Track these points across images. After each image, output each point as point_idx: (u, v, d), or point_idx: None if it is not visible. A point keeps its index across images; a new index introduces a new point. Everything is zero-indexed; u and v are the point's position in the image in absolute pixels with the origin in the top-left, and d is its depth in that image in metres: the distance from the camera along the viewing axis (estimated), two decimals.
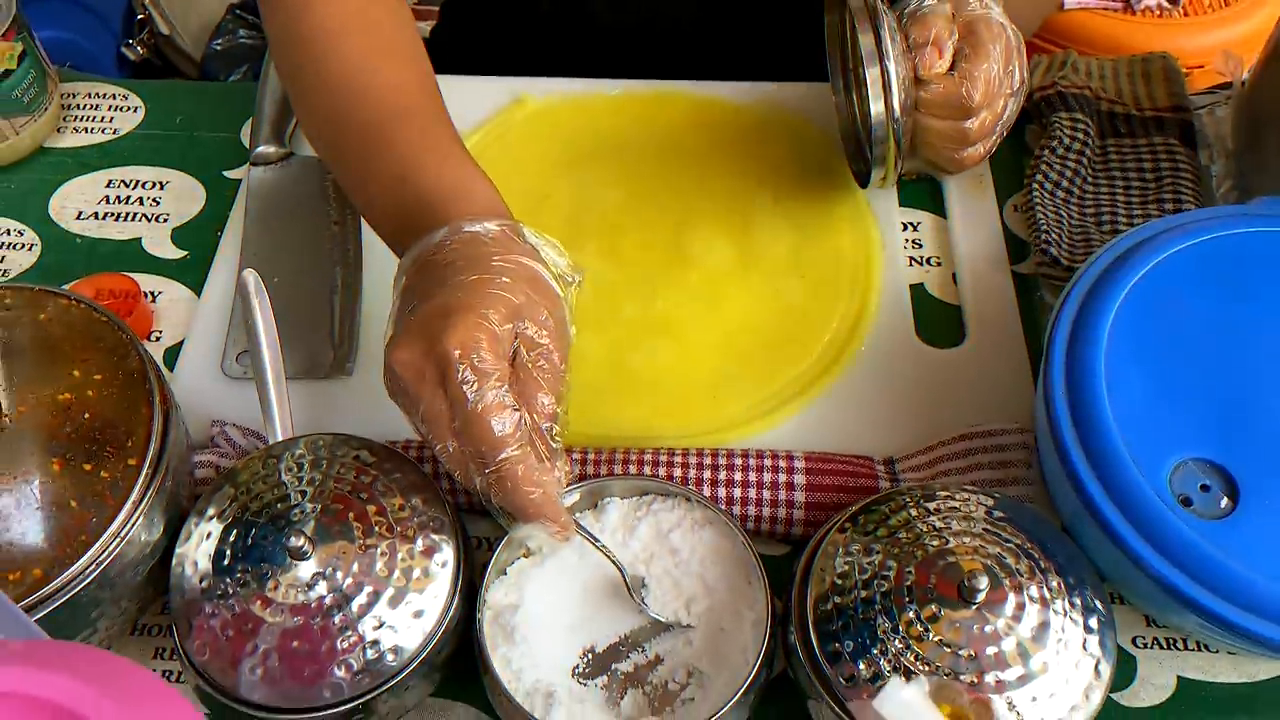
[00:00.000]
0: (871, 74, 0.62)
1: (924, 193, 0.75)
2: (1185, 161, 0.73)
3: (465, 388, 0.47)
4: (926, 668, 0.46)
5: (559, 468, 0.50)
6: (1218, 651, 0.56)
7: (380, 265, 0.71)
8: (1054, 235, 0.69)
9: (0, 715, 0.30)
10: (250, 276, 0.59)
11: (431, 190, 0.56)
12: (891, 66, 0.61)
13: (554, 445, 0.50)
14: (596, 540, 0.53)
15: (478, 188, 0.56)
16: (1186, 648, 0.57)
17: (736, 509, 0.58)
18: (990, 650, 0.47)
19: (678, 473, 0.59)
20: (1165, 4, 1.24)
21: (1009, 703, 0.46)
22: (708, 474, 0.59)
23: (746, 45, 0.88)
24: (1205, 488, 0.51)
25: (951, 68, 0.63)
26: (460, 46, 0.94)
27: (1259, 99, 0.72)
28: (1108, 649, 0.49)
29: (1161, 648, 0.57)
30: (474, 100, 0.79)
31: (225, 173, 0.78)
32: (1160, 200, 0.72)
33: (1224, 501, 0.51)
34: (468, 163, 0.58)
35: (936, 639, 0.47)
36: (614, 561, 0.53)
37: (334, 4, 0.62)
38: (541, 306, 0.50)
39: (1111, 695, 0.55)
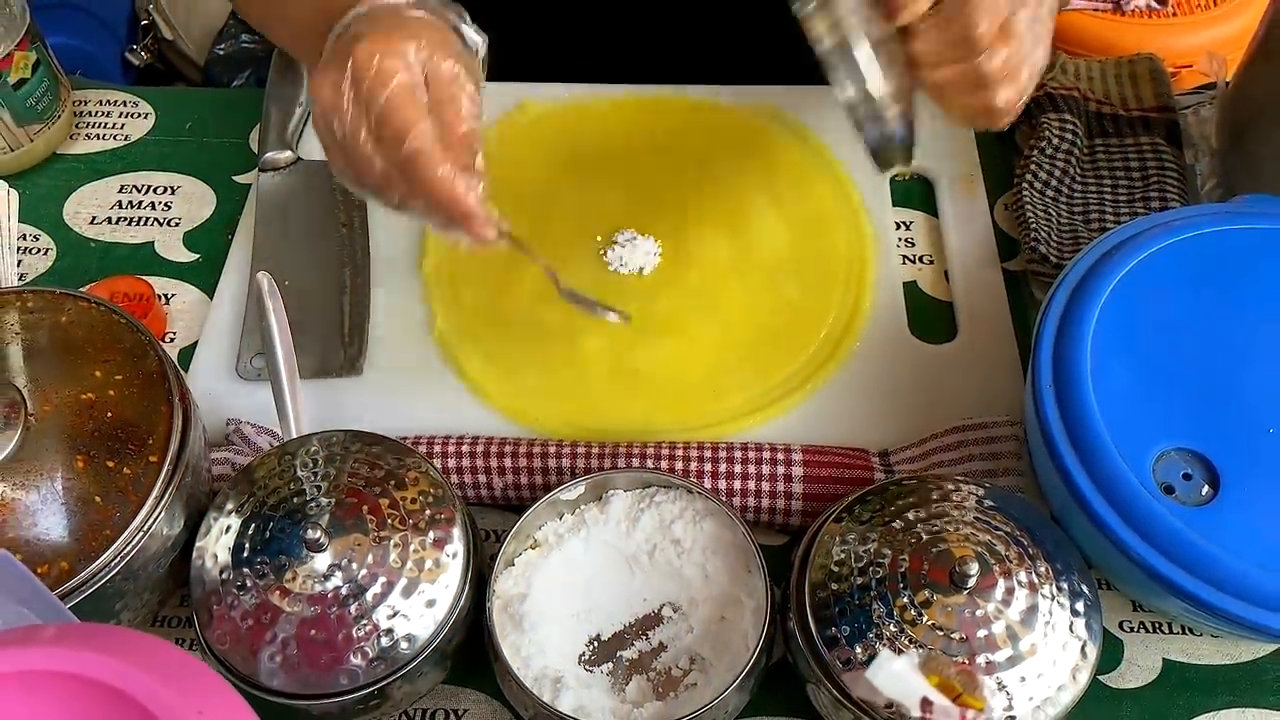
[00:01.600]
0: (824, 55, 0.53)
1: (916, 192, 0.77)
2: (1171, 160, 0.75)
3: (371, 85, 0.50)
4: (920, 651, 0.48)
5: (478, 179, 0.52)
6: (1201, 634, 0.58)
7: (389, 267, 0.73)
8: (1043, 233, 0.71)
9: (42, 692, 0.31)
10: (264, 279, 0.61)
11: None
12: (862, 43, 0.51)
13: (476, 150, 0.52)
14: (520, 245, 0.56)
15: None
16: (1171, 631, 0.59)
17: (736, 500, 0.60)
18: (981, 633, 0.49)
19: (679, 465, 0.60)
20: (1154, 5, 1.26)
21: (999, 683, 0.48)
22: (708, 467, 0.61)
23: (742, 49, 0.89)
24: (1187, 476, 0.53)
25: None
26: None
27: (1242, 99, 0.74)
28: (1094, 631, 0.51)
29: (1147, 631, 0.59)
30: None
31: (235, 177, 0.80)
32: (1147, 198, 0.74)
33: (1205, 489, 0.53)
34: None
35: (929, 623, 0.49)
36: (541, 264, 0.56)
37: None
38: (447, 47, 0.53)
39: (1099, 677, 0.57)
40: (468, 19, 0.58)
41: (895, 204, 0.76)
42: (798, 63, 0.86)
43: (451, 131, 0.51)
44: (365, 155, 0.51)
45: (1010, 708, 0.48)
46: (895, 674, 0.46)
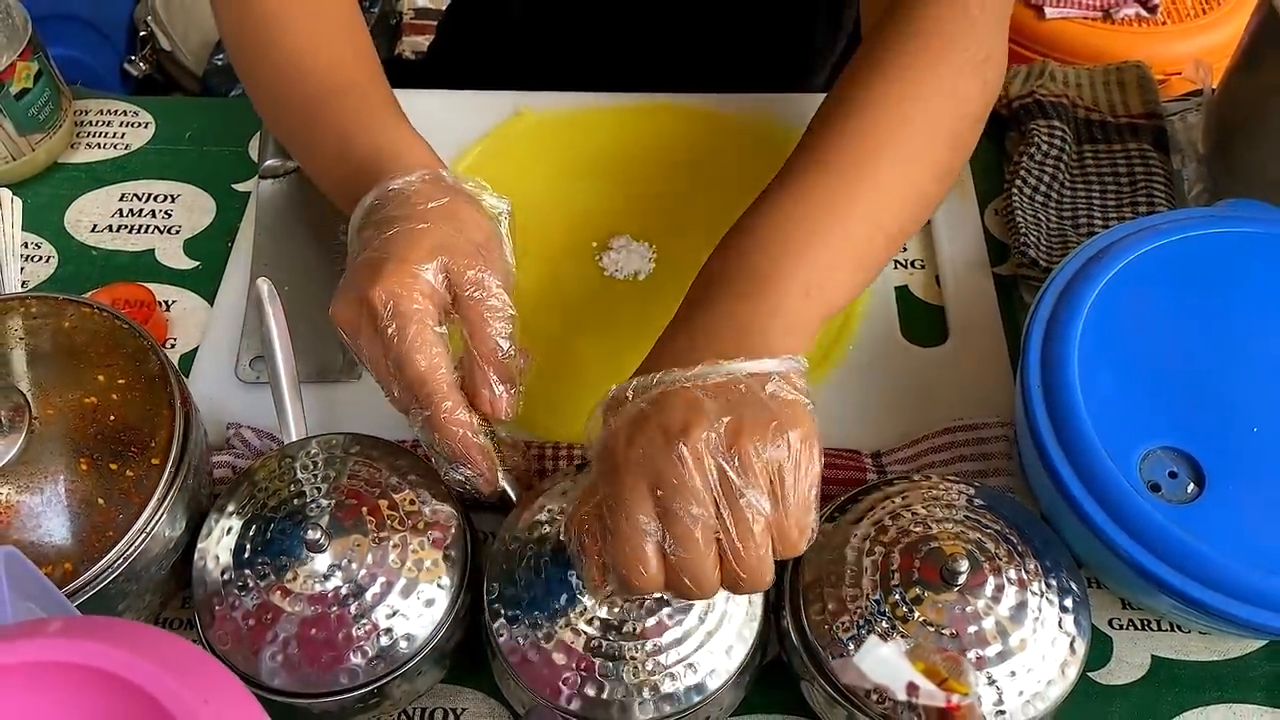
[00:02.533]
0: None
1: None
2: (1158, 166, 0.76)
3: (390, 331, 0.51)
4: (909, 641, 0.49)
5: (510, 392, 0.54)
6: (1189, 631, 0.59)
7: None
8: (1032, 238, 0.72)
9: (51, 683, 0.32)
10: (264, 285, 0.62)
11: (367, 157, 0.59)
12: None
13: (508, 363, 0.54)
14: (516, 495, 0.57)
15: (409, 148, 0.59)
16: (1160, 628, 0.59)
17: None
18: (971, 629, 0.49)
19: None
20: (1143, 13, 1.27)
21: (989, 677, 0.49)
22: None
23: (736, 58, 0.91)
24: (1173, 474, 0.54)
25: None
26: (458, 62, 0.97)
27: (1227, 106, 0.75)
28: (1083, 628, 0.51)
29: (1136, 629, 0.59)
30: (475, 114, 0.82)
31: (234, 186, 0.80)
32: (1135, 203, 0.75)
33: (1191, 487, 0.53)
34: (401, 126, 0.61)
35: (921, 619, 0.50)
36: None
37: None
38: (466, 240, 0.53)
39: (1089, 674, 0.58)
40: (487, 187, 0.59)
41: None
42: (791, 71, 0.88)
43: (484, 345, 0.53)
44: (385, 378, 0.53)
45: (1000, 701, 0.48)
46: (882, 659, 0.47)
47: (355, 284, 0.53)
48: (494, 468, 0.54)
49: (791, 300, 0.51)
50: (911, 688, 0.47)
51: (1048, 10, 1.29)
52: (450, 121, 0.75)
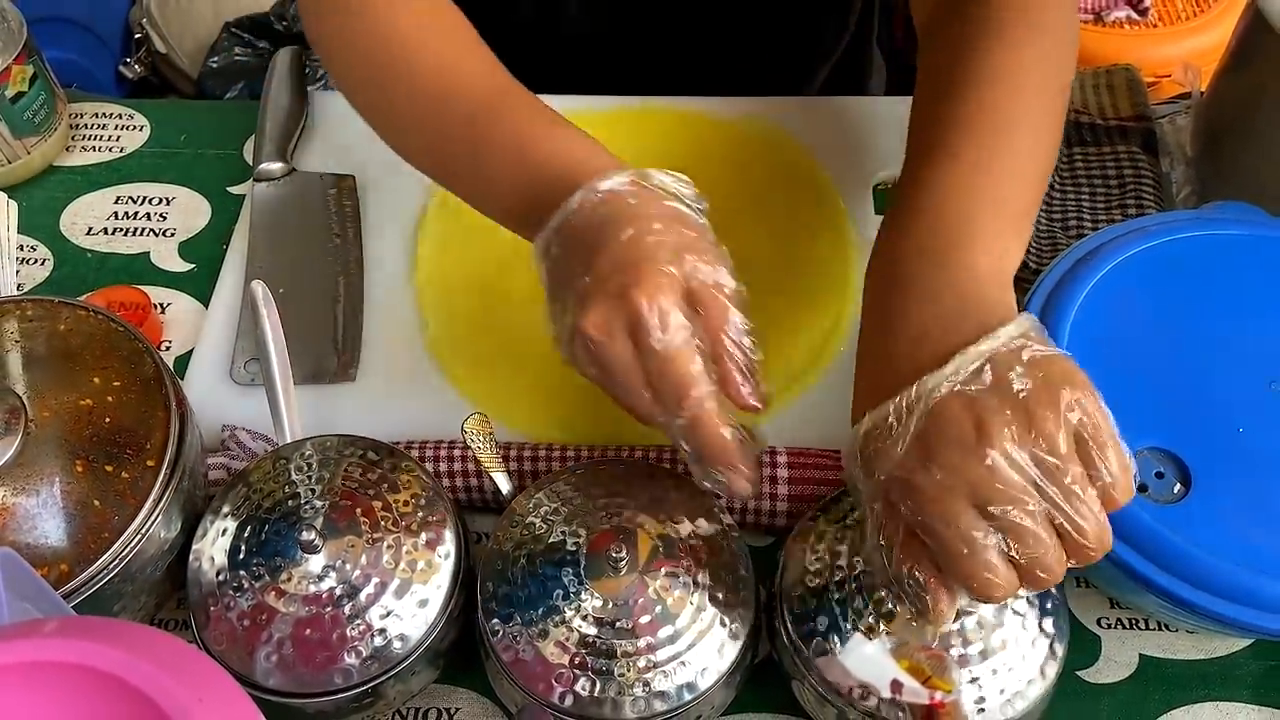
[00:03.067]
0: None
1: None
2: (1147, 168, 0.77)
3: (654, 334, 0.48)
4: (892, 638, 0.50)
5: (759, 388, 0.51)
6: (1177, 630, 0.60)
7: (382, 276, 0.75)
8: None
9: (47, 682, 0.32)
10: (258, 287, 0.62)
11: (553, 160, 0.56)
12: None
13: (754, 357, 0.51)
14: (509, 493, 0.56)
15: (593, 150, 0.57)
16: (1148, 627, 0.60)
17: (725, 502, 0.61)
18: (954, 626, 0.50)
19: (666, 468, 0.62)
20: (1134, 15, 1.28)
21: (971, 675, 0.49)
22: None
23: (730, 61, 0.91)
24: (1160, 475, 0.54)
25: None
26: None
27: (1215, 109, 0.76)
28: (1062, 629, 0.52)
29: (1124, 628, 0.60)
30: None
31: (229, 188, 0.81)
32: (1124, 205, 0.75)
33: (1177, 487, 0.54)
34: (573, 129, 0.59)
35: (906, 617, 0.50)
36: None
37: (408, 14, 0.62)
38: (696, 239, 0.52)
39: (1077, 673, 0.58)
40: (687, 181, 0.56)
41: (878, 211, 0.78)
42: (783, 74, 0.88)
43: (732, 336, 0.51)
44: (637, 389, 0.50)
45: (981, 699, 0.49)
46: (866, 657, 0.48)
47: (609, 290, 0.49)
48: (758, 469, 0.52)
49: (994, 260, 0.51)
50: (896, 685, 0.48)
51: None
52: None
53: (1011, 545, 0.44)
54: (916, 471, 0.45)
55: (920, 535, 0.45)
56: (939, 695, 0.48)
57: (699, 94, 0.84)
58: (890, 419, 0.46)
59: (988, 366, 0.45)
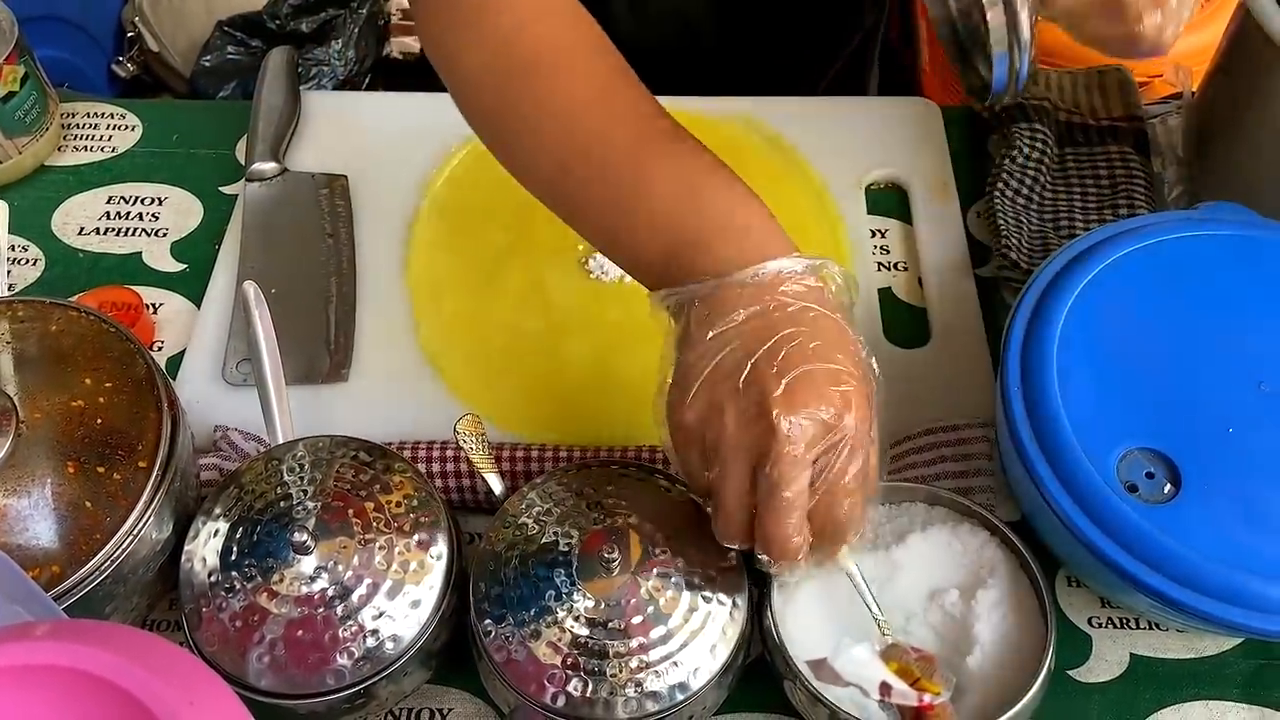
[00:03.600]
0: None
1: (891, 201, 0.79)
2: (1139, 169, 0.77)
3: (778, 475, 0.45)
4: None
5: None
6: (1167, 630, 0.60)
7: (374, 277, 0.75)
8: (1014, 240, 0.73)
9: (38, 686, 0.32)
10: (251, 288, 0.62)
11: (718, 215, 0.51)
12: None
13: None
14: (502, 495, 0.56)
15: (761, 215, 0.52)
16: (1138, 626, 0.60)
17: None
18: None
19: (659, 468, 0.62)
20: None
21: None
22: None
23: (721, 60, 0.91)
24: (1150, 475, 0.55)
25: None
26: None
27: (1206, 109, 0.76)
28: (1052, 628, 0.53)
29: (1115, 627, 0.60)
30: None
31: (221, 188, 0.81)
32: (1115, 206, 0.75)
33: (1167, 488, 0.54)
34: (742, 185, 0.53)
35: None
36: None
37: (550, 28, 0.57)
38: (847, 369, 0.47)
39: (1068, 672, 0.58)
40: (855, 279, 0.52)
41: (870, 212, 0.78)
42: (775, 74, 0.88)
43: (836, 531, 0.49)
44: (730, 508, 0.49)
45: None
46: (856, 659, 0.48)
47: (752, 396, 0.46)
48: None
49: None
50: (885, 688, 0.48)
51: None
52: (439, 123, 0.75)
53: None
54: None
55: None
56: (928, 697, 0.48)
57: (702, 94, 0.84)
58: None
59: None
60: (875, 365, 0.50)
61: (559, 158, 0.56)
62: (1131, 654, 0.59)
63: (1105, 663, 0.59)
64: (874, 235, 0.77)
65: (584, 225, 0.57)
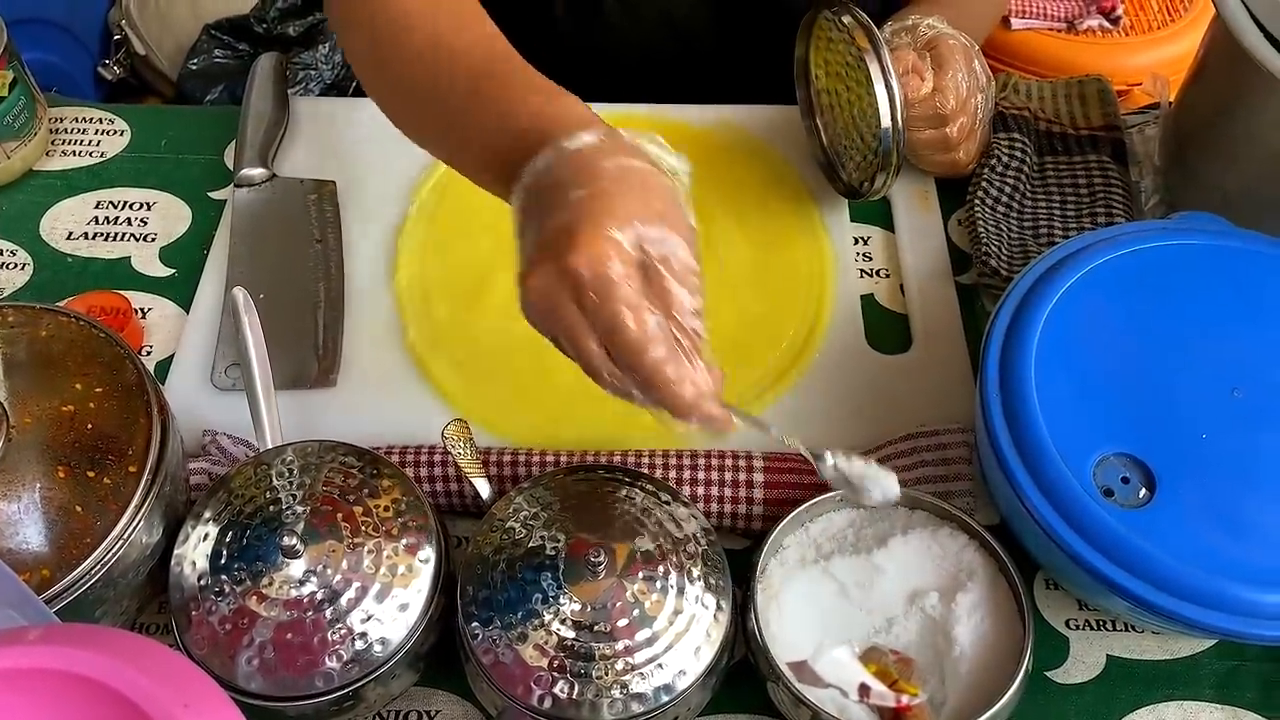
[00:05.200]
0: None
1: (874, 209, 0.80)
2: (1117, 178, 0.78)
3: (597, 298, 0.48)
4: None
5: (708, 360, 0.51)
6: (1143, 631, 0.61)
7: (363, 281, 0.75)
8: (994, 248, 0.74)
9: (33, 689, 0.33)
10: (239, 294, 0.63)
11: (530, 121, 0.56)
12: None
13: (701, 337, 0.51)
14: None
15: (572, 109, 0.56)
16: (1115, 628, 0.61)
17: (700, 505, 0.62)
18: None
19: (646, 472, 0.62)
20: (1106, 24, 1.30)
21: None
22: (673, 473, 0.63)
23: (708, 70, 0.92)
24: (1125, 480, 0.56)
25: None
26: None
27: (1183, 119, 0.77)
28: (1030, 630, 0.54)
29: (1092, 629, 0.61)
30: None
31: (210, 194, 0.81)
32: (1094, 214, 0.77)
33: (1142, 492, 0.55)
34: (563, 92, 0.58)
35: None
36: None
37: None
38: (655, 206, 0.51)
39: (1046, 673, 0.59)
40: (664, 144, 0.57)
41: (853, 220, 0.79)
42: (761, 84, 0.89)
43: (678, 315, 0.50)
44: (587, 356, 0.50)
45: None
46: (835, 661, 0.49)
47: (546, 255, 0.49)
48: (727, 411, 0.51)
49: None
50: (864, 689, 0.49)
51: (1014, 21, 1.31)
52: None
53: None
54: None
55: None
56: (905, 698, 0.49)
57: (688, 102, 0.85)
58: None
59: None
60: (679, 165, 0.56)
61: (407, 94, 0.65)
62: (1108, 655, 0.60)
63: (1082, 664, 0.60)
64: (857, 242, 0.78)
65: (441, 156, 0.65)
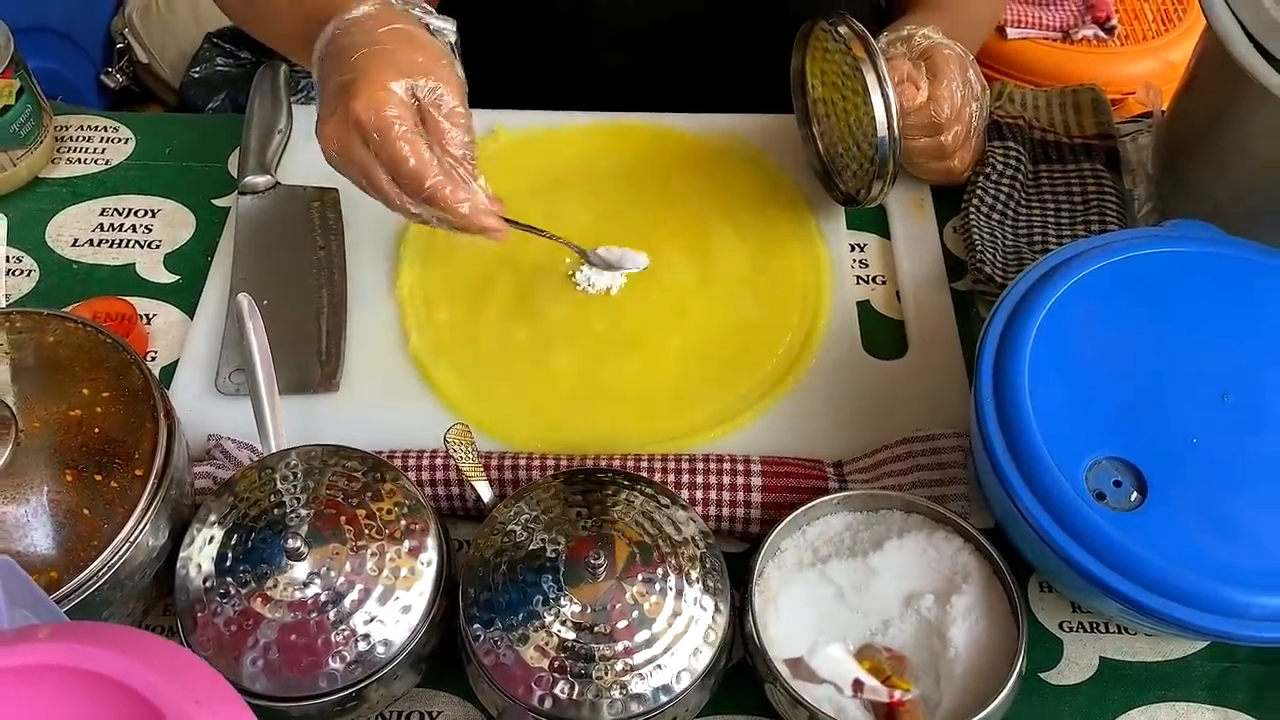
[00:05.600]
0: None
1: (870, 216, 0.81)
2: (1110, 186, 0.79)
3: (378, 137, 0.58)
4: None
5: (481, 185, 0.62)
6: (1136, 634, 0.62)
7: (365, 288, 0.76)
8: (988, 255, 0.75)
9: (47, 685, 0.34)
10: (244, 300, 0.64)
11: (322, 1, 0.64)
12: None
13: (472, 166, 0.62)
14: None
15: None
16: (1108, 631, 0.62)
17: (699, 509, 0.63)
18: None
19: (646, 476, 0.63)
20: (1101, 34, 1.31)
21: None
22: (671, 477, 0.63)
23: (705, 79, 0.93)
24: (1118, 483, 0.56)
25: None
26: None
27: (1175, 128, 0.78)
28: (1024, 632, 0.54)
29: (1085, 631, 0.62)
30: None
31: (214, 201, 0.82)
32: (1087, 221, 0.78)
33: (1134, 495, 0.56)
34: None
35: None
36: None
37: None
38: (424, 58, 0.60)
39: (1040, 674, 0.60)
40: (432, 11, 0.66)
41: (850, 227, 0.80)
42: (758, 92, 0.90)
43: (452, 149, 0.61)
44: (380, 189, 0.61)
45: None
46: (830, 657, 0.50)
47: (335, 106, 0.59)
48: (501, 220, 0.63)
49: None
50: (857, 685, 0.50)
51: (1010, 31, 1.32)
52: None
53: None
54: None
55: None
56: (898, 694, 0.50)
57: (685, 109, 0.86)
58: None
59: None
60: (445, 25, 0.67)
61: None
62: (1101, 657, 0.61)
63: (1076, 666, 0.61)
64: (853, 249, 0.79)
65: (257, 34, 0.75)
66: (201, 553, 0.56)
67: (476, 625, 0.55)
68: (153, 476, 0.56)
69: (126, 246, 0.79)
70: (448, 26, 0.67)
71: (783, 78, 0.80)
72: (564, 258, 0.76)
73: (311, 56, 0.64)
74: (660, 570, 0.55)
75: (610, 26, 0.90)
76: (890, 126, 0.69)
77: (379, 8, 0.62)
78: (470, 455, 0.60)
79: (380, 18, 0.62)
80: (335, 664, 0.53)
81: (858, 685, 0.50)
